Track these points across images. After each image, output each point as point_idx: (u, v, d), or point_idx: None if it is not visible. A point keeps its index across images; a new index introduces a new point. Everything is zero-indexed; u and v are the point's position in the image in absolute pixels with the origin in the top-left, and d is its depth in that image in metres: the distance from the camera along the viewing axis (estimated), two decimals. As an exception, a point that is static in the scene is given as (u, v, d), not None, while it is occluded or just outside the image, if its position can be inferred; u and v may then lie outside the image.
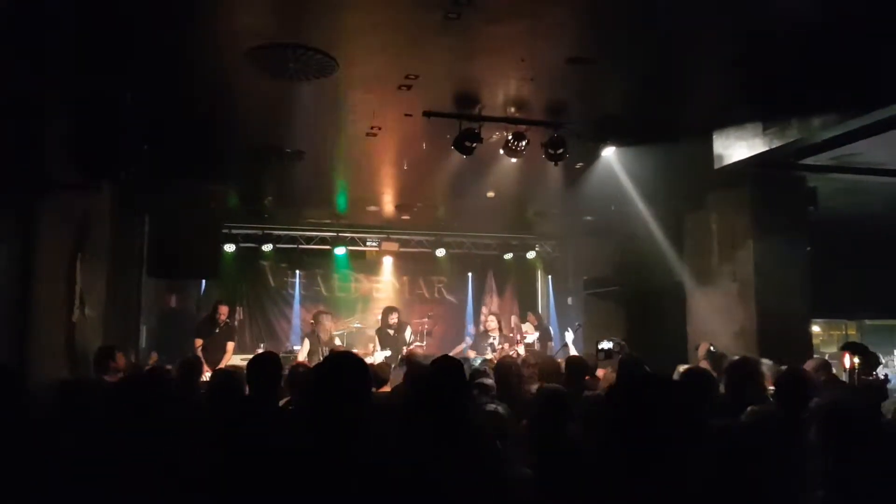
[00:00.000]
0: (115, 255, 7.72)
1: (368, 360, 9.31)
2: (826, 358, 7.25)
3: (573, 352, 10.19)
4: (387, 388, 5.48)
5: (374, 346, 10.31)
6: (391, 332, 10.34)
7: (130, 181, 6.93)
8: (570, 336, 10.96)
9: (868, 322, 10.57)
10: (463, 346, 11.14)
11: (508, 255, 13.91)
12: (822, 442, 2.44)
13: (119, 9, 4.59)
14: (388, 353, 9.60)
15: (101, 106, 5.44)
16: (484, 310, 13.38)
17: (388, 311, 10.73)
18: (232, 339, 9.36)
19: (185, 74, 5.79)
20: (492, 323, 10.41)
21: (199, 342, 8.94)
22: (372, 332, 11.20)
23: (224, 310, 9.41)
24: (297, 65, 5.31)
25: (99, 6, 4.54)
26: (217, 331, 9.21)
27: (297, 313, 12.91)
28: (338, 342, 10.13)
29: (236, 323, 11.77)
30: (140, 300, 9.48)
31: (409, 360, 5.94)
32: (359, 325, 12.53)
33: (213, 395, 4.24)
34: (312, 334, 9.74)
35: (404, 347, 9.81)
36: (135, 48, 5.20)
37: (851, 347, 5.80)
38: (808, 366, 6.25)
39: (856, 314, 10.24)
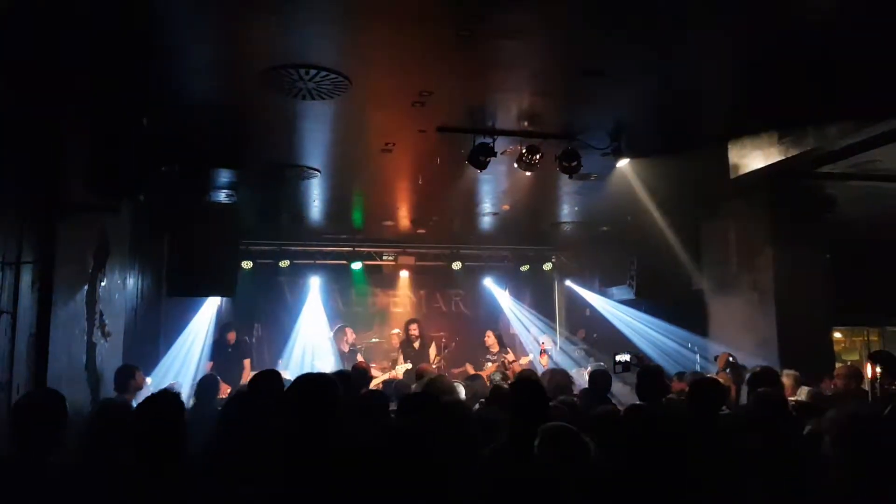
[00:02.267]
0: (134, 276, 7.81)
1: (388, 374, 9.38)
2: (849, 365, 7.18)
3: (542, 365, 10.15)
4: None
5: (395, 360, 10.38)
6: (415, 344, 10.42)
7: (149, 202, 7.02)
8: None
9: (890, 329, 10.39)
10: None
11: (525, 267, 13.88)
12: (839, 456, 2.39)
13: (134, 31, 4.66)
14: (408, 366, 9.62)
15: (118, 128, 5.51)
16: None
17: (407, 323, 10.82)
18: (247, 356, 9.40)
19: (201, 96, 5.85)
20: (490, 339, 10.47)
21: (209, 365, 9.01)
22: (389, 346, 11.27)
23: (231, 336, 9.48)
24: (311, 84, 5.35)
25: (113, 28, 4.60)
26: (229, 350, 9.27)
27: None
28: (359, 357, 10.23)
29: (254, 340, 11.84)
30: (160, 320, 9.56)
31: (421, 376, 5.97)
32: (377, 340, 12.56)
33: (227, 419, 4.27)
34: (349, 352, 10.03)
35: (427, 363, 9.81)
36: (151, 70, 5.27)
37: (875, 357, 5.72)
38: (840, 373, 6.19)
39: (878, 321, 10.08)
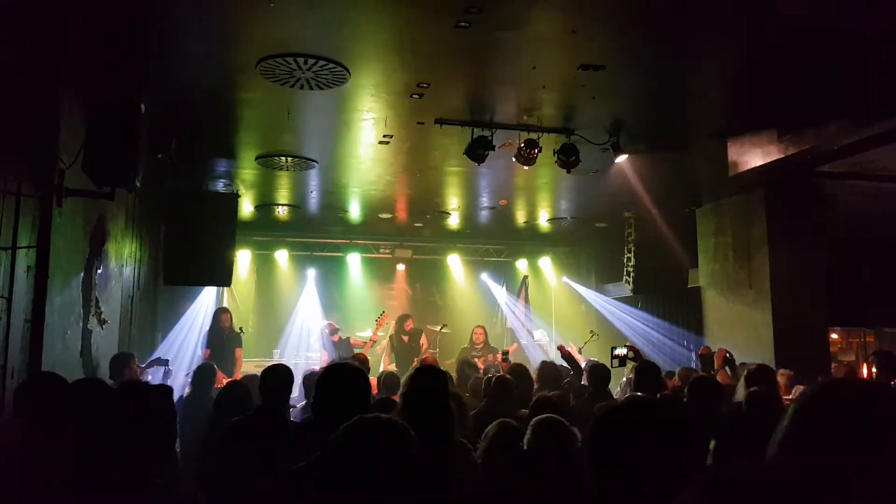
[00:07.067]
0: (131, 263, 7.79)
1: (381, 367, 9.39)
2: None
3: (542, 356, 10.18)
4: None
5: (384, 351, 10.37)
6: (405, 338, 10.38)
7: (145, 190, 6.99)
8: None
9: (888, 330, 10.39)
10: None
11: (522, 262, 13.86)
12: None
13: (132, 17, 4.63)
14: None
15: (115, 115, 5.48)
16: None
17: (402, 318, 10.78)
18: (239, 346, 9.43)
19: (199, 83, 5.83)
20: (478, 335, 10.44)
21: (206, 353, 9.02)
22: (384, 340, 11.24)
23: (226, 318, 9.49)
24: (309, 74, 5.33)
25: (112, 16, 4.58)
26: (224, 337, 9.29)
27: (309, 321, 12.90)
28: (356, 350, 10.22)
29: (250, 330, 11.83)
30: (156, 308, 9.54)
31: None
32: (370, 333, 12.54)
33: (222, 405, 4.27)
34: (339, 341, 10.01)
35: (416, 359, 9.78)
36: (148, 57, 5.25)
37: (875, 355, 5.79)
38: (838, 373, 6.24)
39: (874, 322, 10.08)
